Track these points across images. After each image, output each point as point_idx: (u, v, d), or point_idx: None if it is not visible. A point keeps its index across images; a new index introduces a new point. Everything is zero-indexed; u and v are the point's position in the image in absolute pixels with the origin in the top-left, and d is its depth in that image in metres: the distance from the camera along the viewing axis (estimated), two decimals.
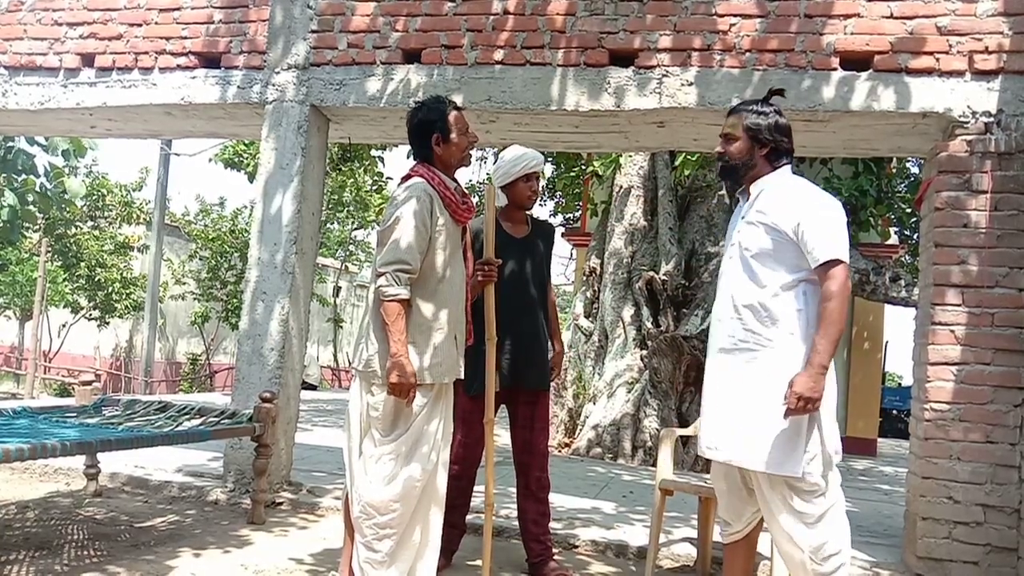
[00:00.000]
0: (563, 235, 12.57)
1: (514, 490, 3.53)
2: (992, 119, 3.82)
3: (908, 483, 3.97)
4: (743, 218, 2.77)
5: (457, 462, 3.38)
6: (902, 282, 7.89)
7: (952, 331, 3.73)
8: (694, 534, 4.00)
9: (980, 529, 3.60)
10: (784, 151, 2.76)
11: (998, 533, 3.58)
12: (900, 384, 22.87)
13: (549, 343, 3.57)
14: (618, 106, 4.25)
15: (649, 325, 8.09)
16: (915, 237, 11.42)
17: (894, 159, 8.88)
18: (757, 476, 2.66)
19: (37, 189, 12.32)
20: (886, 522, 4.99)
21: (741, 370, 2.66)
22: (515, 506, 3.52)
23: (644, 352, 8.06)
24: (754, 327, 2.65)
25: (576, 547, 4.00)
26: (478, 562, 3.34)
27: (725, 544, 2.93)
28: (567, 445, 8.08)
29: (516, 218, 3.55)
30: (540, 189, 3.67)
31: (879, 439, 11.90)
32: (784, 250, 2.63)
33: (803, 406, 2.48)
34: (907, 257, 12.77)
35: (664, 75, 4.20)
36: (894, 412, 17.09)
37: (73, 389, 5.09)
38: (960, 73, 3.89)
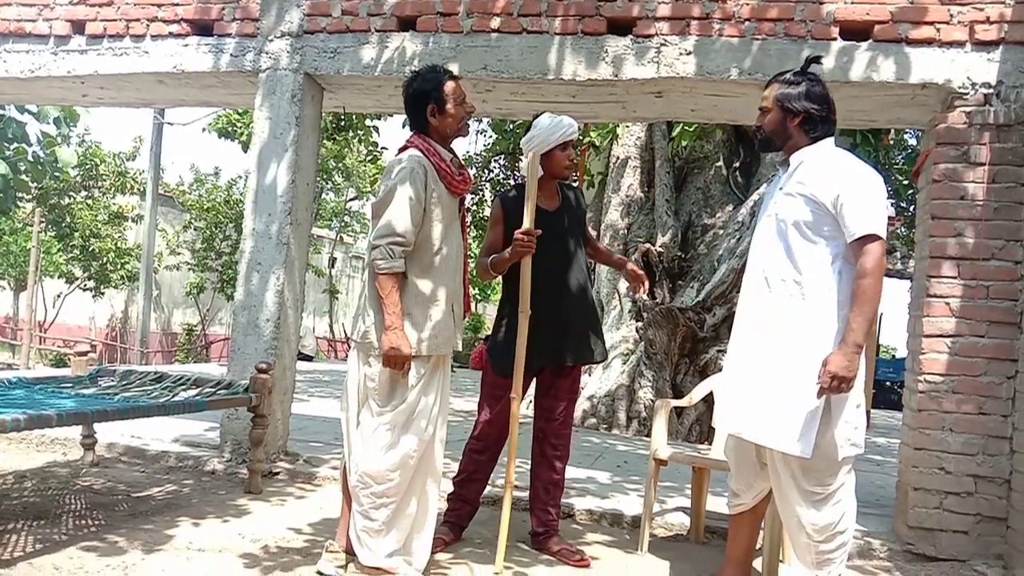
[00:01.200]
0: None
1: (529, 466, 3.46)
2: (992, 90, 3.80)
3: (900, 454, 4.00)
4: (781, 189, 2.72)
5: (481, 438, 3.36)
6: (898, 254, 7.91)
7: (947, 303, 3.74)
8: (688, 503, 4.04)
9: (971, 499, 3.64)
10: (819, 119, 2.69)
11: (988, 503, 3.62)
12: (894, 356, 23.01)
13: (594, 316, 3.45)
14: (616, 75, 4.21)
15: (645, 297, 8.10)
16: (912, 209, 11.41)
17: (892, 131, 8.84)
18: (771, 452, 2.66)
19: (30, 158, 12.21)
20: (878, 492, 5.04)
21: (767, 346, 2.63)
22: (528, 472, 3.45)
23: (639, 324, 8.08)
24: (784, 303, 2.61)
25: (571, 516, 4.03)
26: (487, 534, 3.37)
27: (731, 515, 2.95)
28: None
29: (548, 190, 3.36)
30: (576, 158, 3.50)
31: (872, 410, 11.99)
32: (822, 224, 2.58)
33: (837, 385, 2.45)
34: (903, 229, 12.78)
35: (662, 44, 4.15)
36: (887, 384, 17.22)
37: (69, 360, 5.09)
38: (960, 44, 3.85)
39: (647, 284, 3.46)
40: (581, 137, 9.05)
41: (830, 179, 2.57)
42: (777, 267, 2.65)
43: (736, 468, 2.87)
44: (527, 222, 3.08)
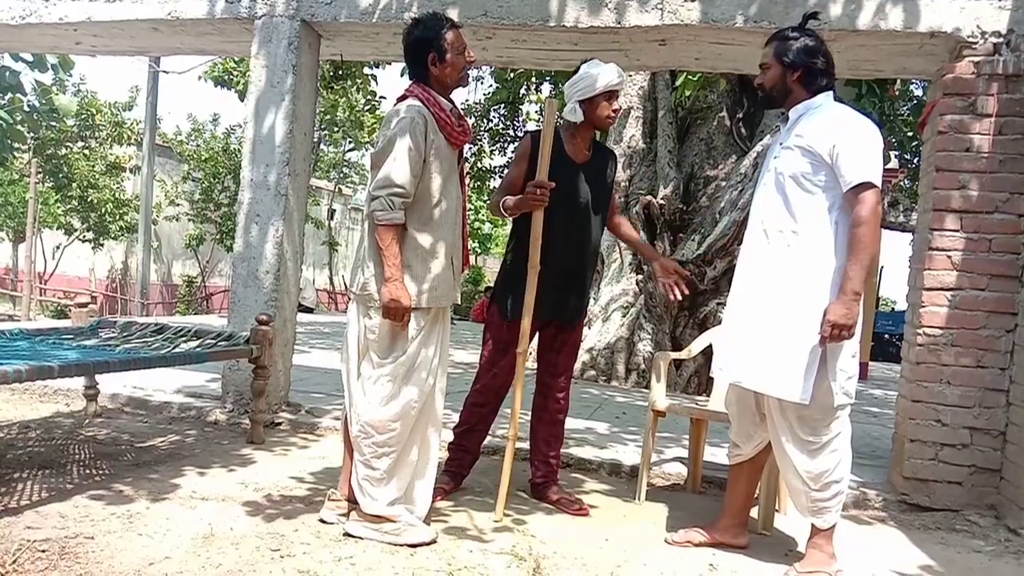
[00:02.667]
0: None
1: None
2: (1002, 39, 3.72)
3: (898, 406, 4.03)
4: (781, 144, 2.75)
5: (483, 390, 3.37)
6: (900, 207, 7.86)
7: (949, 256, 3.73)
8: (685, 454, 4.09)
9: (966, 451, 3.68)
10: (818, 72, 2.71)
11: (983, 455, 3.66)
12: (893, 309, 23.08)
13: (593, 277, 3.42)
14: (618, 23, 4.13)
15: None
16: (916, 162, 11.31)
17: (898, 81, 8.71)
18: (769, 401, 2.70)
19: (25, 107, 12.07)
20: (874, 444, 5.10)
21: (766, 296, 2.67)
22: (527, 426, 3.49)
23: (640, 277, 8.07)
24: (783, 254, 2.65)
25: (570, 466, 4.08)
26: (488, 483, 3.41)
27: (731, 465, 3.00)
28: None
29: (582, 140, 3.28)
30: (620, 109, 3.38)
31: (871, 363, 12.07)
32: (819, 174, 2.60)
33: (838, 334, 2.49)
34: (906, 182, 12.70)
35: None
36: (886, 336, 17.29)
37: (69, 311, 5.09)
38: None
39: (683, 285, 3.36)
40: None
41: (826, 130, 2.60)
42: (775, 219, 2.68)
43: (736, 419, 2.92)
44: (540, 173, 3.02)
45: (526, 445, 3.53)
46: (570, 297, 3.30)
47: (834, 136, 2.58)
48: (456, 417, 3.47)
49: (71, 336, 4.13)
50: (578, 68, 3.27)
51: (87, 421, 4.30)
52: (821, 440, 2.66)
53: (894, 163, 11.70)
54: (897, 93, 9.22)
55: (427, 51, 2.79)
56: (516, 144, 3.46)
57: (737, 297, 2.80)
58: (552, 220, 3.11)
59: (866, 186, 2.52)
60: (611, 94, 3.21)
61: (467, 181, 3.17)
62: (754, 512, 3.39)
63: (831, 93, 2.74)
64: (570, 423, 4.96)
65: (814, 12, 2.86)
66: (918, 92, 10.00)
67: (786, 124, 2.79)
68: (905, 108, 9.34)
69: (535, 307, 3.10)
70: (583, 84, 3.19)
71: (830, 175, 2.59)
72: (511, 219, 3.27)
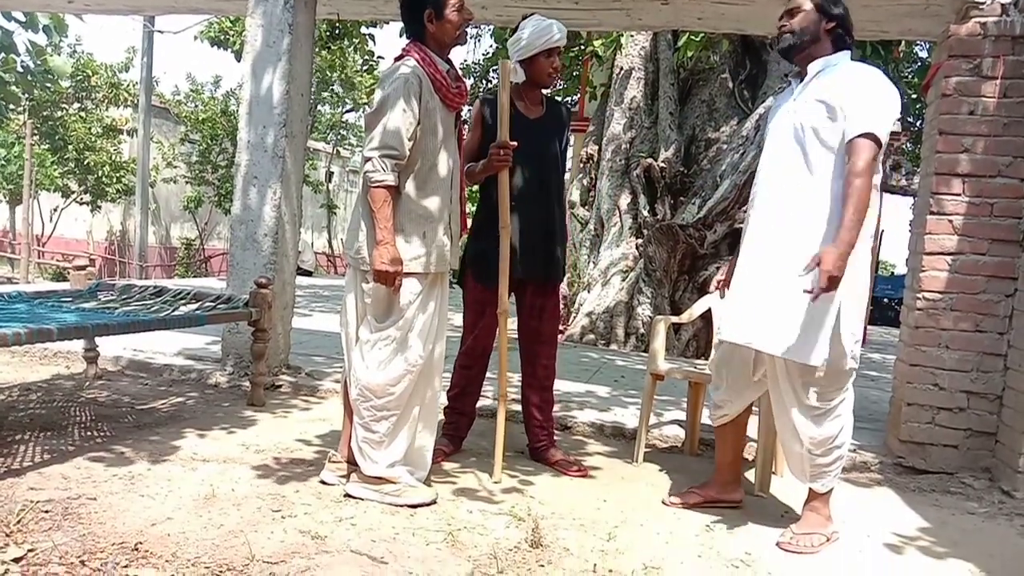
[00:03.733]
0: None
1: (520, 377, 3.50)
2: (1010, 0, 3.66)
3: (896, 370, 4.05)
4: (795, 99, 2.69)
5: (468, 352, 3.39)
6: (903, 170, 7.80)
7: (950, 221, 3.71)
8: (683, 417, 4.11)
9: (962, 415, 3.70)
10: (846, 31, 2.67)
11: (979, 418, 3.68)
12: (893, 273, 23.10)
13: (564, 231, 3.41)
14: None
15: (645, 213, 8.04)
16: (919, 124, 11.22)
17: (903, 42, 8.60)
18: (775, 366, 2.68)
19: (19, 68, 11.92)
20: (871, 407, 5.13)
21: (781, 257, 2.61)
22: (519, 391, 3.51)
23: (640, 240, 8.05)
24: (793, 215, 2.60)
25: (570, 428, 4.11)
26: (486, 445, 3.43)
27: (715, 426, 3.02)
28: (561, 332, 8.21)
29: (532, 97, 3.30)
30: (561, 65, 3.41)
31: (869, 327, 12.10)
32: (836, 132, 2.55)
33: (829, 285, 2.42)
34: (909, 145, 12.60)
35: None
36: (885, 300, 17.33)
37: (67, 274, 5.08)
38: None
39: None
40: (583, 46, 8.82)
41: (846, 85, 2.56)
42: (793, 175, 2.62)
43: (728, 380, 2.90)
44: (502, 134, 3.01)
45: (517, 407, 3.55)
46: (540, 252, 3.30)
47: (851, 90, 2.54)
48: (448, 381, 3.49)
49: (70, 299, 4.12)
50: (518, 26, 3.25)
51: (87, 384, 4.32)
52: (828, 406, 2.65)
53: (896, 126, 11.61)
54: (901, 55, 9.12)
55: (424, 7, 2.75)
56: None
57: (749, 258, 2.73)
58: (513, 178, 3.13)
59: (864, 136, 2.48)
60: (551, 51, 3.19)
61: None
62: (751, 474, 3.42)
63: (848, 53, 2.69)
64: (570, 386, 5.00)
65: None
66: (923, 54, 9.89)
67: (799, 81, 2.72)
68: (909, 70, 9.25)
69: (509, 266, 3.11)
70: (521, 44, 3.19)
71: (844, 132, 2.54)
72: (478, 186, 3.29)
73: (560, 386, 4.73)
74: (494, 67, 13.35)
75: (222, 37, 13.27)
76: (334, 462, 2.94)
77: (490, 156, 3.05)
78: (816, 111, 2.58)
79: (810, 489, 2.79)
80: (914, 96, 9.10)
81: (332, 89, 21.87)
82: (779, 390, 2.71)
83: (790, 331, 2.57)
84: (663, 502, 3.03)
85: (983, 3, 3.69)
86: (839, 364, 2.61)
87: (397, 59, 2.79)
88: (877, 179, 2.61)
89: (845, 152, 2.52)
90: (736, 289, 2.79)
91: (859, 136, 2.49)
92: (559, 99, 3.43)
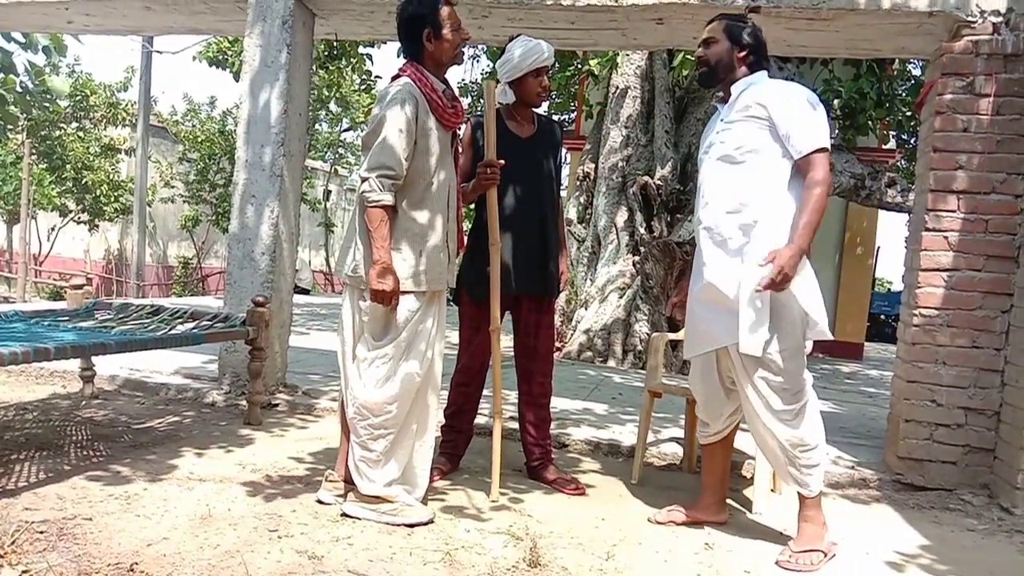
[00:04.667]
0: None
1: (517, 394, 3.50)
2: (1001, 19, 3.70)
3: (893, 386, 4.05)
4: (723, 120, 2.84)
5: (464, 370, 3.39)
6: (898, 187, 7.83)
7: (946, 237, 3.73)
8: (681, 434, 4.10)
9: (960, 431, 3.69)
10: (761, 56, 2.84)
11: (977, 435, 3.68)
12: (889, 290, 23.14)
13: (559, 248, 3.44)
14: (616, 1, 4.10)
15: (642, 230, 8.07)
16: (913, 142, 11.29)
17: (896, 61, 8.67)
18: (736, 372, 2.74)
19: (17, 88, 11.94)
20: (869, 424, 5.12)
21: (719, 268, 2.72)
22: (516, 409, 3.50)
23: (636, 258, 8.07)
24: (736, 231, 2.71)
25: (568, 446, 4.10)
26: (484, 464, 3.42)
27: (703, 445, 3.06)
28: (558, 349, 8.21)
29: (523, 116, 3.35)
30: (550, 84, 3.47)
31: (866, 343, 12.12)
32: (769, 144, 2.70)
33: (780, 281, 2.55)
34: (904, 162, 12.67)
35: None
36: (882, 317, 17.36)
37: (64, 293, 5.08)
38: None
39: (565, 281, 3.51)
40: (580, 65, 8.88)
41: (771, 101, 2.70)
42: (729, 193, 2.74)
43: (703, 397, 2.98)
44: (489, 153, 3.05)
45: (515, 425, 3.54)
46: (534, 269, 3.31)
47: (780, 106, 2.68)
48: (444, 399, 3.48)
49: (67, 318, 4.12)
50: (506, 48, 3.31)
51: (84, 403, 4.30)
52: (795, 407, 2.72)
53: (891, 144, 11.67)
54: (895, 73, 9.18)
55: (422, 27, 2.77)
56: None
57: (697, 276, 2.85)
58: (505, 196, 3.19)
59: (818, 151, 2.65)
60: (539, 71, 3.24)
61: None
62: (749, 492, 3.41)
63: (766, 72, 2.86)
64: (567, 404, 4.99)
65: (756, 6, 3.07)
66: (916, 72, 9.95)
67: (725, 103, 2.88)
68: (903, 88, 9.30)
69: (501, 282, 3.14)
70: (509, 65, 3.24)
71: (780, 148, 2.69)
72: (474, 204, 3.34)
73: (558, 403, 4.73)
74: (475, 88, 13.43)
75: (221, 57, 13.33)
76: (331, 481, 2.93)
77: (478, 175, 3.08)
78: (743, 128, 2.73)
79: (800, 498, 2.80)
80: (908, 114, 9.15)
81: (329, 108, 21.98)
82: (748, 399, 2.77)
83: (732, 325, 2.68)
84: (649, 520, 3.02)
85: (974, 22, 3.73)
86: (796, 363, 2.69)
87: (393, 79, 2.81)
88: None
89: (800, 167, 2.67)
90: (690, 309, 2.91)
91: (814, 152, 2.65)
92: (555, 117, 3.47)
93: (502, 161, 3.05)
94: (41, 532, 2.42)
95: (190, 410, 4.32)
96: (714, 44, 2.86)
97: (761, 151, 2.70)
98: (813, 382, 2.81)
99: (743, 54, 2.82)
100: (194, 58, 13.87)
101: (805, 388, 2.74)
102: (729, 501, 3.13)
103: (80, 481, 2.95)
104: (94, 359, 4.41)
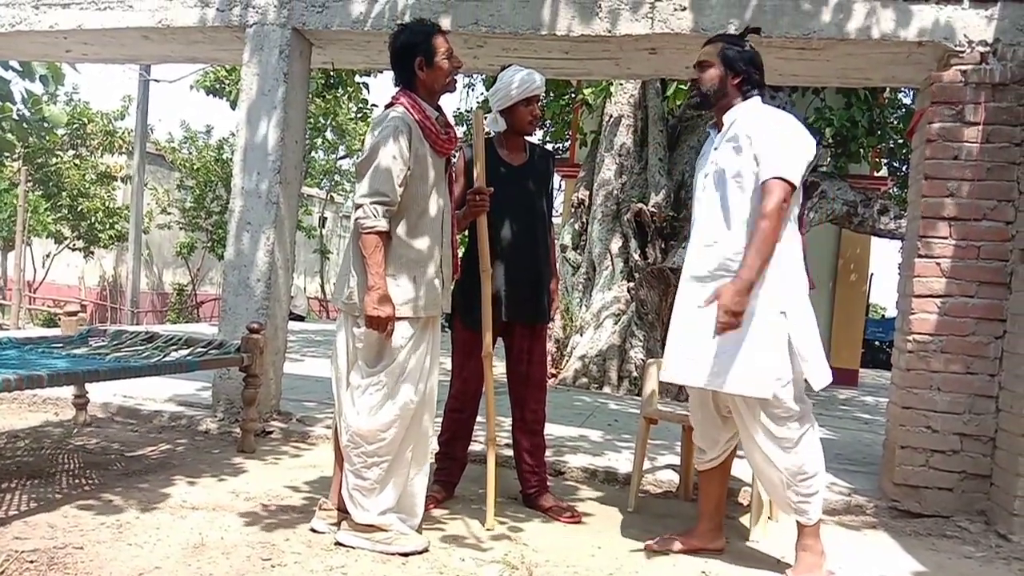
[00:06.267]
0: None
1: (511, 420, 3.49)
2: (988, 48, 3.76)
3: (888, 412, 4.04)
4: (715, 148, 2.84)
5: (457, 396, 3.39)
6: (890, 214, 7.89)
7: (938, 263, 3.75)
8: (677, 461, 4.09)
9: (956, 457, 3.69)
10: (755, 83, 2.82)
11: (973, 461, 3.67)
12: (883, 316, 23.18)
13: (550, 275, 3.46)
14: (610, 31, 4.15)
15: (637, 257, 8.10)
16: (905, 169, 11.38)
17: (887, 89, 8.77)
18: (734, 401, 2.74)
19: (15, 117, 12.00)
20: (865, 450, 5.11)
21: (705, 298, 2.70)
22: (510, 436, 3.49)
23: (631, 284, 8.09)
24: (728, 256, 2.70)
25: (564, 473, 4.08)
26: (479, 491, 3.40)
27: (700, 471, 3.04)
28: (554, 375, 8.19)
29: (515, 145, 3.39)
30: (541, 113, 3.51)
31: (861, 370, 12.12)
32: (750, 176, 2.69)
33: (728, 319, 2.54)
34: (896, 189, 12.76)
35: None
36: (876, 343, 17.36)
37: (59, 319, 5.07)
38: (958, 0, 3.80)
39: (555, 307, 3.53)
40: (574, 94, 8.96)
41: (756, 129, 2.70)
42: (718, 222, 2.74)
43: (700, 424, 2.97)
44: (478, 180, 3.09)
45: (509, 452, 3.53)
46: (526, 296, 3.33)
47: (761, 133, 2.68)
48: (438, 425, 3.47)
49: (60, 345, 4.11)
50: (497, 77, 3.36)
51: (76, 430, 4.27)
52: (796, 436, 2.70)
53: (883, 171, 11.76)
54: (886, 101, 9.28)
55: (415, 55, 2.80)
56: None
57: (684, 302, 2.83)
58: (498, 223, 3.21)
59: (776, 180, 2.61)
60: (529, 100, 3.28)
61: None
62: (745, 519, 3.39)
63: (759, 98, 2.84)
64: (563, 431, 4.97)
65: (756, 27, 3.00)
66: (907, 100, 10.06)
67: (718, 131, 2.87)
68: (894, 116, 9.40)
69: (493, 309, 3.15)
70: (500, 94, 3.28)
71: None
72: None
73: (553, 430, 4.71)
74: (487, 114, 13.54)
75: (218, 86, 13.44)
76: (325, 509, 2.91)
77: (468, 201, 3.12)
78: (734, 159, 2.73)
79: (799, 526, 2.79)
80: (900, 141, 9.24)
81: (326, 136, 22.10)
82: (746, 427, 2.76)
83: (730, 366, 2.64)
84: (646, 547, 2.99)
85: (963, 52, 3.78)
86: (800, 394, 2.68)
87: (387, 106, 2.84)
88: (795, 212, 2.74)
89: (761, 194, 2.65)
90: (675, 332, 2.86)
91: (771, 179, 2.62)
92: (549, 145, 3.52)
93: (491, 188, 3.10)
94: (31, 561, 2.39)
95: (183, 437, 4.29)
96: (708, 68, 2.85)
97: (743, 182, 2.69)
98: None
99: (737, 81, 2.81)
100: (192, 87, 13.99)
101: (805, 415, 2.72)
102: (725, 528, 3.11)
103: (71, 510, 2.92)
104: (87, 386, 4.39)
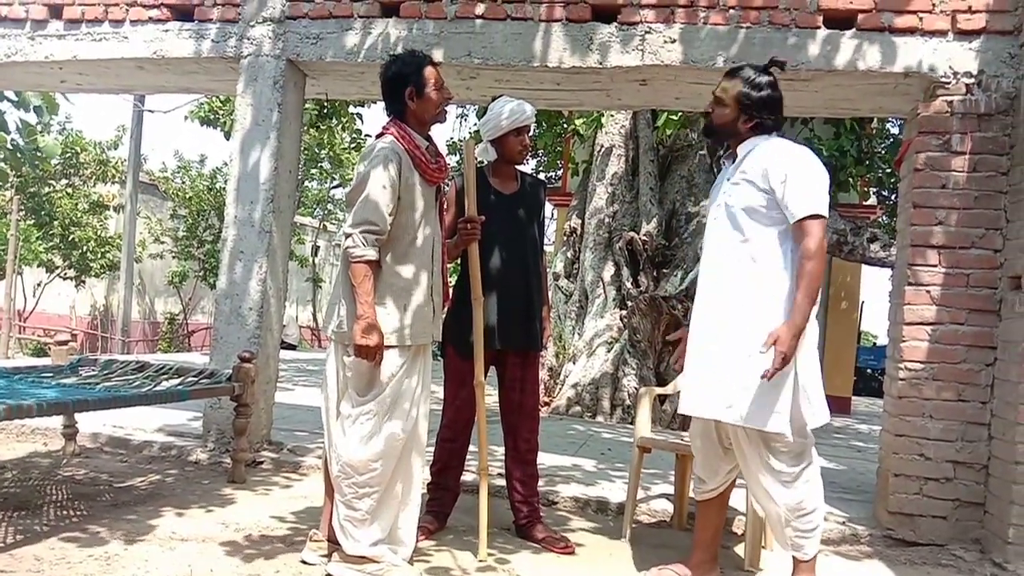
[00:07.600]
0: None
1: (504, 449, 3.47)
2: (973, 80, 3.82)
3: (881, 440, 4.04)
4: (729, 179, 2.81)
5: (449, 425, 3.37)
6: (880, 242, 7.94)
7: (928, 291, 3.77)
8: (671, 490, 4.06)
9: (949, 485, 3.68)
10: (768, 128, 2.79)
11: (967, 488, 3.67)
12: (875, 344, 23.23)
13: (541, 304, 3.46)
14: (601, 63, 4.20)
15: (629, 285, 8.12)
16: (893, 198, 11.48)
17: (875, 119, 8.88)
18: (736, 433, 2.72)
19: (8, 146, 12.01)
20: (859, 479, 5.09)
21: (730, 330, 2.69)
22: (503, 466, 3.47)
23: (623, 312, 8.10)
24: (741, 287, 2.69)
25: (556, 503, 4.05)
26: (471, 522, 3.37)
27: (698, 501, 3.01)
28: (547, 404, 8.16)
29: (506, 174, 3.42)
30: (531, 143, 3.55)
31: (854, 397, 12.12)
32: (771, 208, 2.67)
33: (782, 365, 2.52)
34: (885, 218, 12.87)
35: (647, 31, 4.14)
36: (868, 371, 17.39)
37: (49, 349, 5.04)
38: (943, 33, 3.87)
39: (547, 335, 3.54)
40: (566, 124, 9.05)
41: (774, 164, 2.67)
42: (732, 253, 2.73)
43: (701, 454, 2.94)
44: (469, 209, 3.11)
45: (502, 482, 3.50)
46: (518, 323, 3.33)
47: (782, 170, 2.65)
48: (430, 455, 3.44)
49: (50, 374, 4.08)
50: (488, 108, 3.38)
51: (65, 461, 4.23)
52: (796, 470, 2.68)
53: (872, 200, 11.87)
54: (874, 131, 9.39)
55: (405, 85, 2.83)
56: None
57: (698, 333, 2.81)
58: (489, 251, 3.23)
59: (813, 218, 2.60)
60: (520, 130, 3.31)
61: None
62: (740, 549, 3.37)
63: (776, 132, 2.82)
64: (556, 460, 4.94)
65: (782, 61, 2.91)
66: (895, 130, 10.19)
67: (732, 161, 2.85)
68: (882, 146, 9.51)
69: (485, 337, 3.15)
70: (490, 124, 3.32)
71: (777, 209, 2.66)
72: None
73: (546, 459, 4.69)
74: (478, 143, 13.64)
75: (212, 116, 13.51)
76: (315, 541, 2.88)
77: (459, 230, 3.14)
78: (748, 193, 2.70)
79: (794, 560, 2.76)
80: (888, 171, 9.34)
81: (320, 166, 22.20)
82: (747, 459, 2.73)
83: (745, 399, 2.63)
84: None
85: (949, 83, 3.84)
86: (800, 424, 2.66)
87: (378, 136, 2.86)
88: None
89: (793, 233, 2.64)
90: (689, 363, 2.85)
91: (807, 218, 2.60)
92: (541, 175, 3.55)
93: (482, 217, 3.12)
94: None
95: (173, 468, 4.25)
96: (722, 106, 2.82)
97: (763, 213, 2.67)
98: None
99: (749, 125, 2.77)
100: (186, 117, 14.06)
101: (807, 450, 2.70)
102: (720, 557, 3.09)
103: (58, 542, 2.88)
104: (77, 416, 4.35)
